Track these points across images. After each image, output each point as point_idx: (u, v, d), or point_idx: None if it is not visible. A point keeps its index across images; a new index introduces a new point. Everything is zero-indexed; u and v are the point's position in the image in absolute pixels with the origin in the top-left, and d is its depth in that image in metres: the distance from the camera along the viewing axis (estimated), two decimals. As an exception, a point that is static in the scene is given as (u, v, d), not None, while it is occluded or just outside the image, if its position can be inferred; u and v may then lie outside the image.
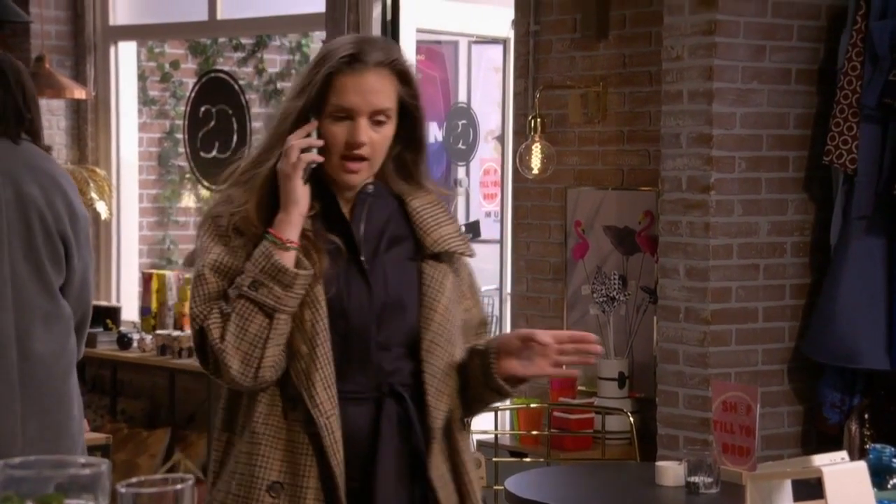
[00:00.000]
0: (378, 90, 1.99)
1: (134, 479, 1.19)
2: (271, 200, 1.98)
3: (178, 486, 1.17)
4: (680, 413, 3.67)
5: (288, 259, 1.95)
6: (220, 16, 5.44)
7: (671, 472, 2.85)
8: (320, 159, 1.98)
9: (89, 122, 5.73)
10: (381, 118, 1.99)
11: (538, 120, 4.07)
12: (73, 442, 2.98)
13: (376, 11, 4.80)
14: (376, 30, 4.72)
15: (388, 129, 2.01)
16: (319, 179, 2.01)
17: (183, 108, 5.77)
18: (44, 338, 2.88)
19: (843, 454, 2.42)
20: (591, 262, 4.14)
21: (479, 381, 2.04)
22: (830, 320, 3.58)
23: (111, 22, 5.72)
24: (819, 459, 2.35)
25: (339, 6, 4.76)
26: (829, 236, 3.69)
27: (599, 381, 4.00)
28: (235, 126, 5.39)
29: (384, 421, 1.99)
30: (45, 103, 5.61)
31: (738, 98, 3.64)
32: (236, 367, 1.93)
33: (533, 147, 4.07)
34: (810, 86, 3.75)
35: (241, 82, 5.56)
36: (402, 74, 2.03)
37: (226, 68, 6.08)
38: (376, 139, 2.00)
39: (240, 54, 6.53)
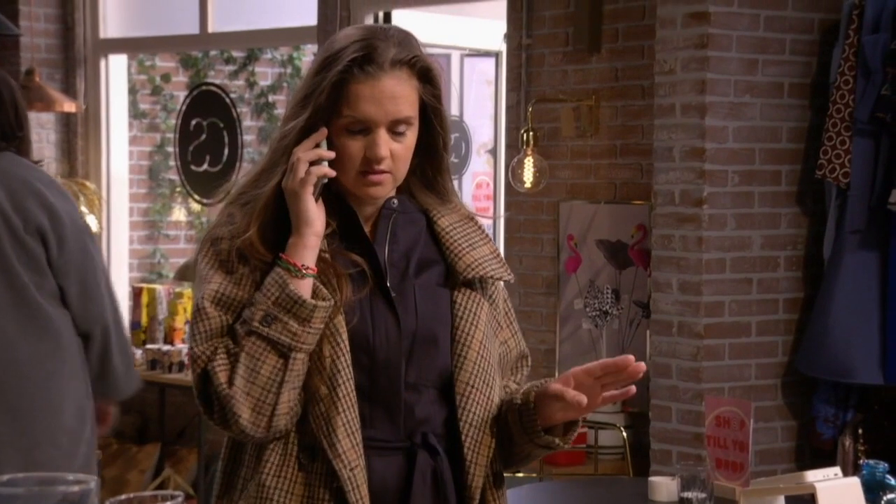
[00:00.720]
0: (398, 96, 1.70)
1: (123, 496, 1.18)
2: (278, 222, 1.72)
3: (168, 503, 1.16)
4: (673, 428, 3.66)
5: (305, 288, 1.68)
6: (211, 29, 5.43)
7: (664, 487, 2.83)
8: (332, 173, 1.72)
9: (79, 136, 5.71)
10: (402, 127, 1.72)
11: (530, 133, 4.07)
12: (61, 453, 2.86)
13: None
14: (368, 43, 4.71)
15: (411, 138, 1.74)
16: (335, 192, 1.75)
17: (174, 122, 5.75)
18: (17, 342, 2.82)
19: (837, 470, 2.42)
20: (584, 276, 4.13)
21: (524, 439, 1.77)
22: (824, 335, 3.57)
23: (101, 35, 5.71)
24: (812, 475, 2.35)
25: (330, 19, 4.76)
26: (822, 250, 3.68)
27: (592, 396, 3.98)
28: (227, 139, 5.37)
29: (416, 477, 1.72)
30: (34, 117, 5.58)
31: (731, 112, 3.63)
32: (246, 415, 1.65)
33: (525, 160, 4.06)
34: (803, 100, 3.75)
35: (232, 95, 5.55)
36: (423, 73, 1.74)
37: (217, 81, 6.07)
38: (398, 150, 1.72)
39: (231, 67, 6.53)
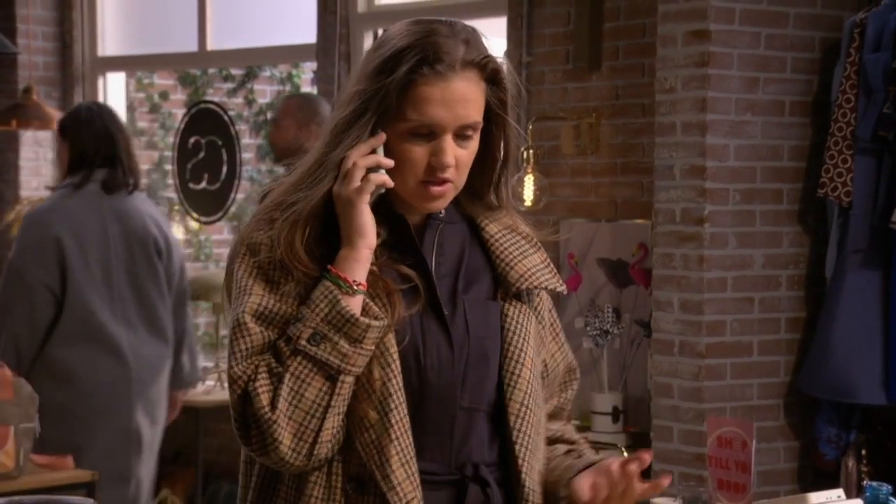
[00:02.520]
0: (468, 99, 1.57)
1: None
2: (325, 232, 1.58)
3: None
4: (675, 448, 3.64)
5: (355, 305, 1.54)
6: (209, 46, 5.42)
7: (667, 509, 2.80)
8: (391, 183, 1.58)
9: (77, 154, 5.69)
10: (470, 133, 1.59)
11: (531, 151, 4.05)
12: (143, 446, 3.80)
13: (367, 42, 4.79)
14: (367, 61, 4.71)
15: (475, 144, 1.61)
16: (385, 200, 1.62)
17: (172, 140, 5.74)
18: (148, 344, 3.71)
19: (840, 492, 2.40)
20: (585, 294, 4.11)
21: (556, 483, 1.67)
22: (826, 354, 3.55)
23: (99, 53, 5.70)
24: (815, 497, 2.33)
25: (329, 37, 4.75)
26: (824, 269, 3.67)
27: (593, 416, 3.96)
28: (225, 157, 5.36)
29: None
30: (32, 135, 5.58)
31: (732, 130, 3.62)
32: (288, 442, 1.51)
33: (525, 178, 4.05)
34: (804, 118, 3.74)
35: (230, 113, 5.54)
36: (493, 75, 1.60)
37: (215, 99, 6.06)
38: (462, 156, 1.60)
39: (230, 85, 6.53)
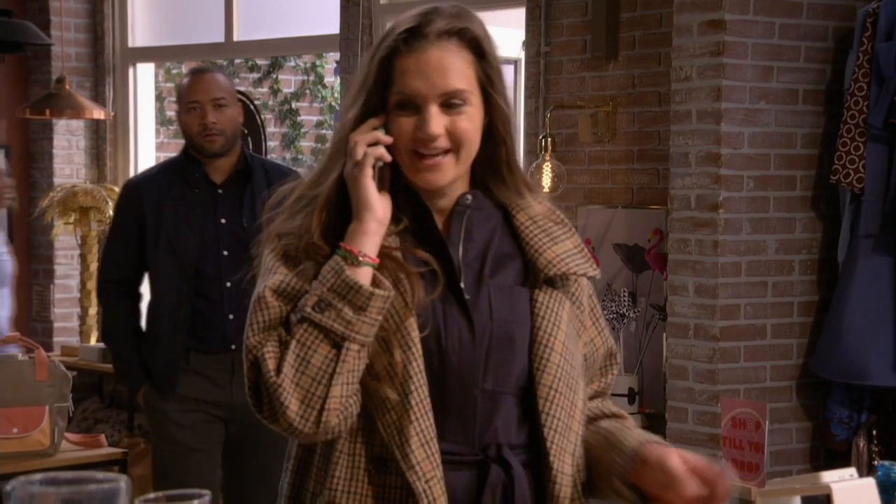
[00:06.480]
0: (446, 67, 1.58)
1: (151, 495, 1.20)
2: (343, 217, 1.61)
3: (195, 502, 1.18)
4: (689, 429, 3.70)
5: (362, 276, 1.56)
6: (236, 37, 5.50)
7: (679, 487, 2.86)
8: (388, 158, 1.61)
9: (108, 142, 5.80)
10: (457, 101, 1.59)
11: (549, 139, 4.11)
12: None
13: (390, 33, 4.85)
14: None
15: (470, 115, 1.60)
16: (409, 188, 1.64)
17: (200, 128, 5.83)
18: None
19: (852, 471, 2.43)
20: (602, 279, 4.17)
21: (602, 475, 1.66)
22: (838, 337, 3.60)
23: (130, 44, 5.80)
24: (828, 476, 2.36)
25: (352, 28, 4.83)
26: (836, 254, 3.71)
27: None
28: (251, 146, 5.45)
29: (486, 494, 1.61)
30: (65, 124, 5.69)
31: (747, 118, 3.67)
32: (294, 407, 1.53)
33: (543, 166, 4.11)
34: (817, 106, 3.78)
35: (256, 102, 5.62)
36: (474, 45, 1.61)
37: (241, 88, 6.15)
38: (455, 128, 1.59)
39: (255, 75, 6.61)
